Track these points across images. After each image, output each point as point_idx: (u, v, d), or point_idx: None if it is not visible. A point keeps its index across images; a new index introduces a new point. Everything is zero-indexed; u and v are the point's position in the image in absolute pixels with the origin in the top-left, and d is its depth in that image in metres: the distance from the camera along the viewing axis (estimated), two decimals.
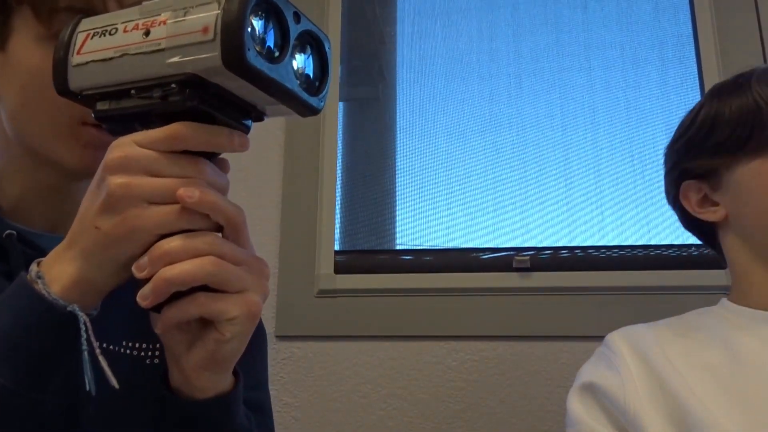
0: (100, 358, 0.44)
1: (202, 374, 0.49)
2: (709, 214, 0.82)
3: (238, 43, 0.39)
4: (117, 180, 0.42)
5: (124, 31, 0.43)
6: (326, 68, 0.48)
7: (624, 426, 0.73)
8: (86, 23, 0.46)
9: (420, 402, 1.26)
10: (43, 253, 0.58)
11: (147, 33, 0.42)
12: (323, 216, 1.36)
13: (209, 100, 0.43)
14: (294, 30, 0.44)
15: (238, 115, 0.46)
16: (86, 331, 0.44)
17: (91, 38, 0.45)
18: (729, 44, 1.31)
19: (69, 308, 0.44)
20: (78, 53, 0.45)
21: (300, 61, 0.46)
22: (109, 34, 0.44)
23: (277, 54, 0.43)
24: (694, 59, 1.35)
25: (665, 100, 1.36)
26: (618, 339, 0.80)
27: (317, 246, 1.34)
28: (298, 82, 0.45)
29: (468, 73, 1.44)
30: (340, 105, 1.45)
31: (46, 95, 0.56)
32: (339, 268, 1.34)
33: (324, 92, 0.48)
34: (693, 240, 1.27)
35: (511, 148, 1.39)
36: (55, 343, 0.45)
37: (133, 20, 0.43)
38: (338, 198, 1.40)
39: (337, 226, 1.38)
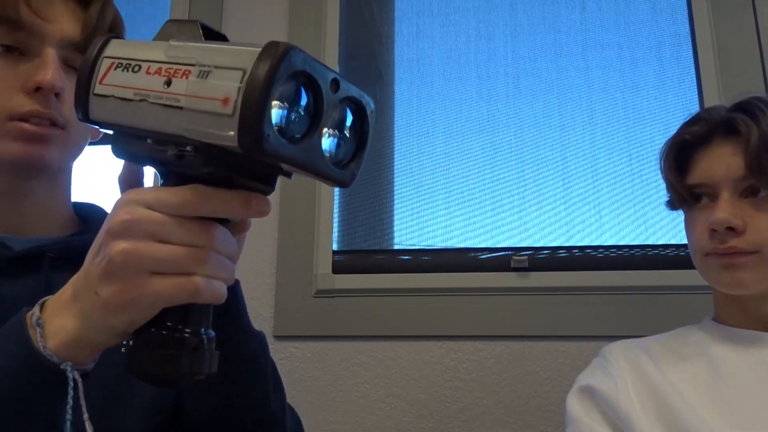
0: (87, 424, 0.43)
1: None
2: None
3: (256, 127, 0.36)
4: (119, 246, 0.40)
5: (147, 72, 0.41)
6: (365, 138, 0.44)
7: (617, 425, 0.80)
8: (113, 48, 0.44)
9: (418, 402, 1.26)
10: (12, 252, 0.61)
11: (168, 83, 0.40)
12: (321, 216, 1.36)
13: (228, 167, 0.40)
14: (330, 100, 0.40)
15: (260, 177, 0.43)
16: (75, 394, 0.42)
17: (115, 69, 0.43)
18: (726, 44, 1.31)
19: (62, 366, 0.42)
20: (100, 82, 0.43)
21: (330, 141, 0.42)
22: (133, 71, 0.42)
23: (303, 132, 0.40)
24: (692, 59, 1.36)
25: (663, 100, 1.36)
26: (614, 350, 0.88)
27: (315, 246, 1.34)
28: (328, 156, 0.42)
29: (466, 72, 1.44)
30: None
31: None
32: (337, 268, 1.34)
33: (357, 165, 0.44)
34: None
35: (509, 148, 1.39)
36: (42, 398, 0.44)
37: (157, 62, 0.41)
38: (336, 198, 1.40)
39: (335, 226, 1.38)
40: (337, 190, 1.40)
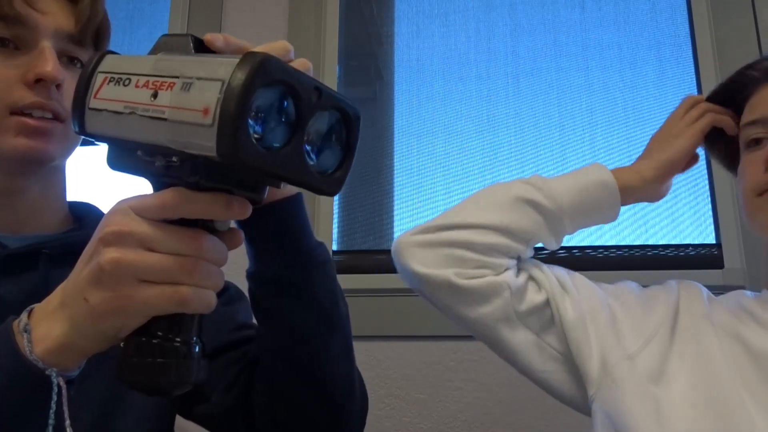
0: (69, 430, 0.43)
1: None
2: None
3: (234, 137, 0.36)
4: (109, 254, 0.41)
5: (136, 85, 0.42)
6: (352, 146, 0.45)
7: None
8: (107, 63, 0.45)
9: (418, 402, 1.26)
10: (8, 250, 0.60)
11: (155, 95, 0.41)
12: (321, 216, 1.36)
13: (214, 177, 0.41)
14: (312, 108, 0.41)
15: (248, 186, 0.43)
16: (59, 399, 0.43)
17: (108, 83, 0.44)
18: (726, 44, 1.31)
19: (47, 372, 0.43)
20: (95, 96, 0.44)
21: (314, 150, 0.43)
22: (123, 84, 0.43)
23: (284, 141, 0.40)
24: (692, 59, 1.36)
25: (662, 101, 1.36)
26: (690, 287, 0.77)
27: None
28: (312, 164, 0.42)
29: (466, 72, 1.44)
30: None
31: None
32: (337, 268, 1.33)
33: (344, 172, 0.45)
34: (690, 240, 1.28)
35: (509, 148, 1.39)
36: (27, 404, 0.44)
37: (145, 75, 0.42)
38: (336, 198, 1.40)
39: (335, 226, 1.38)
40: None
